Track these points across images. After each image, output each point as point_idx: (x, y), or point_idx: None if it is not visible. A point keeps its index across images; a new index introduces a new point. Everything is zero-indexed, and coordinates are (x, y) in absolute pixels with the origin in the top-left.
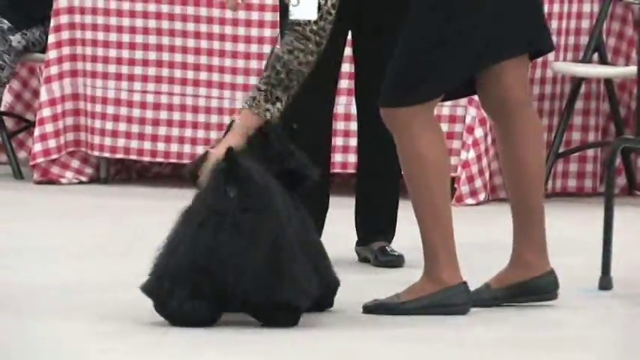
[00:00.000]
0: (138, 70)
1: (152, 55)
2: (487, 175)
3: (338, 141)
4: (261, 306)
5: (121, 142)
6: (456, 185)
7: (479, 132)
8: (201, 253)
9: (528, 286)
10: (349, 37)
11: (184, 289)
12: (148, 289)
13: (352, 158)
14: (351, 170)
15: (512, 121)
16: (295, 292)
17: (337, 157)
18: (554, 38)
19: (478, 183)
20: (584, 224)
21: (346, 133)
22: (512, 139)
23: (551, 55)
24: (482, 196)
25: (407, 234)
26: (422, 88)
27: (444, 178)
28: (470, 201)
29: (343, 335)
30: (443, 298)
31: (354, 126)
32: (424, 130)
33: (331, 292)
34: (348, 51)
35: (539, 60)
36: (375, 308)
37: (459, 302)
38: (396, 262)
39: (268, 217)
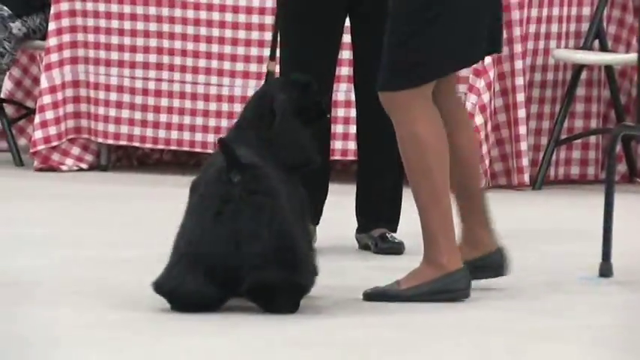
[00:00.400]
0: (139, 58)
1: (153, 42)
2: (487, 162)
3: (338, 128)
4: (277, 287)
5: (124, 128)
6: None
7: (479, 119)
8: (221, 239)
9: (482, 262)
10: (347, 24)
11: (199, 276)
12: (161, 285)
13: (352, 145)
14: (351, 157)
15: (448, 108)
16: (307, 273)
17: (337, 145)
18: (555, 25)
19: None
20: (585, 211)
21: (346, 120)
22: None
23: (552, 43)
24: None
25: (406, 220)
26: (418, 71)
27: (443, 162)
28: None
29: (343, 322)
30: (444, 283)
31: (354, 113)
32: (422, 114)
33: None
34: (347, 38)
35: (541, 47)
36: (375, 296)
37: (460, 287)
38: (396, 249)
39: (276, 198)
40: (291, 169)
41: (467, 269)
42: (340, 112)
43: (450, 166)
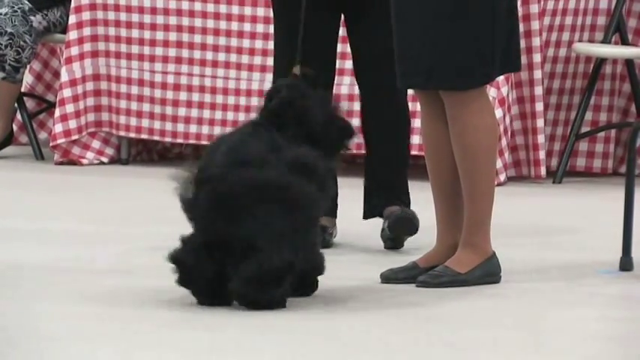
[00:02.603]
0: (159, 51)
1: (172, 36)
2: (507, 155)
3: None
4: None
5: (145, 122)
6: None
7: (498, 112)
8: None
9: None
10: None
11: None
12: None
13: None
14: (355, 150)
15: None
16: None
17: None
18: (570, 18)
19: (498, 164)
20: (605, 205)
21: (349, 114)
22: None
23: (565, 35)
24: (502, 177)
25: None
26: (486, 69)
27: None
28: None
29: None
30: (489, 267)
31: (356, 107)
32: (490, 105)
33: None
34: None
35: (555, 39)
36: (431, 283)
37: (498, 271)
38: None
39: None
40: (334, 149)
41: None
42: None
43: (432, 168)
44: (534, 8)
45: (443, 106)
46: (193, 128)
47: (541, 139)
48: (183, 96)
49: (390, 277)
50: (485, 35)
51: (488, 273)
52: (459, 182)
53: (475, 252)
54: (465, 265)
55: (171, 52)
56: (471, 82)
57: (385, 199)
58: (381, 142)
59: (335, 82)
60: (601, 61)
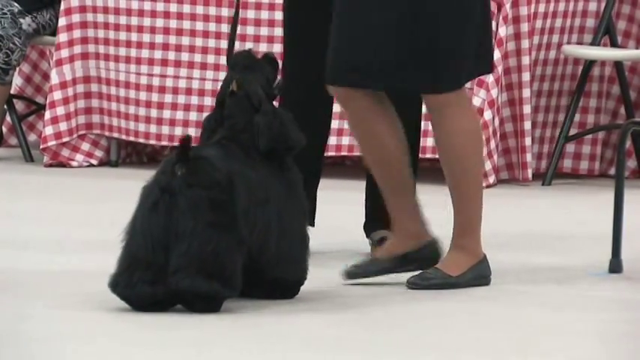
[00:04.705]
0: (145, 54)
1: (159, 39)
2: (495, 157)
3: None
4: (194, 294)
5: (132, 125)
6: None
7: (488, 114)
8: (152, 231)
9: (413, 255)
10: None
11: (145, 272)
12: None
13: (346, 141)
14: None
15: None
16: (231, 282)
17: (344, 140)
18: (559, 20)
19: (487, 166)
20: (594, 206)
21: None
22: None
23: (555, 37)
24: (491, 179)
25: None
26: (469, 65)
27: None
28: None
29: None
30: (480, 269)
31: None
32: (469, 106)
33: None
34: None
35: (546, 42)
36: (421, 284)
37: (488, 274)
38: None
39: (223, 192)
40: (275, 155)
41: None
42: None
43: (375, 160)
44: (524, 10)
45: (374, 99)
46: (178, 131)
47: (528, 141)
48: (168, 98)
49: (356, 273)
50: (456, 36)
51: (479, 275)
52: (406, 171)
53: (466, 254)
54: (456, 267)
55: (157, 54)
56: (441, 85)
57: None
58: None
59: None
60: (590, 63)
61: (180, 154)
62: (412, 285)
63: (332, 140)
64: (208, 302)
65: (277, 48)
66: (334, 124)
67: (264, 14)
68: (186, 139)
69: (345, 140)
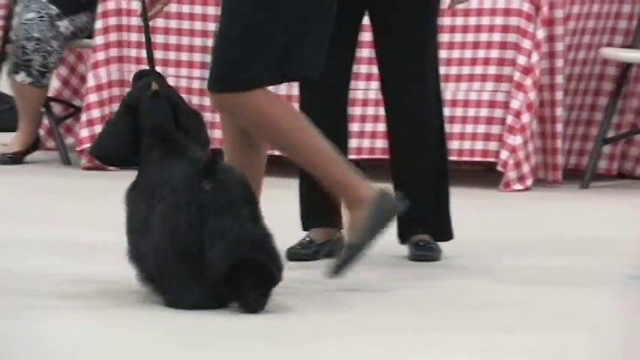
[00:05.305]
0: (184, 57)
1: (197, 42)
2: (533, 160)
3: (367, 127)
4: (256, 269)
5: None
6: (503, 171)
7: (526, 117)
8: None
9: (375, 212)
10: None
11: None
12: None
13: (380, 144)
14: (379, 155)
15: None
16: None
17: (365, 143)
18: (592, 22)
19: (525, 168)
20: (632, 209)
21: (362, 119)
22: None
23: (586, 38)
24: (529, 182)
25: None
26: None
27: (298, 119)
28: (517, 186)
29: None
30: (375, 212)
31: (370, 111)
32: (264, 93)
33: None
34: (367, 36)
35: (586, 42)
36: (340, 267)
37: (388, 207)
38: (429, 257)
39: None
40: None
41: (382, 189)
42: (371, 111)
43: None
44: (559, 13)
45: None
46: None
47: (559, 143)
48: (208, 101)
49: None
50: (253, 35)
51: (378, 216)
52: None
53: (353, 208)
54: (354, 228)
55: (197, 57)
56: (231, 84)
57: (413, 228)
58: (413, 152)
59: (350, 86)
60: (628, 65)
61: (208, 168)
62: (332, 274)
63: (366, 143)
64: (263, 279)
65: None
66: (354, 127)
67: None
68: (218, 153)
69: (366, 143)
